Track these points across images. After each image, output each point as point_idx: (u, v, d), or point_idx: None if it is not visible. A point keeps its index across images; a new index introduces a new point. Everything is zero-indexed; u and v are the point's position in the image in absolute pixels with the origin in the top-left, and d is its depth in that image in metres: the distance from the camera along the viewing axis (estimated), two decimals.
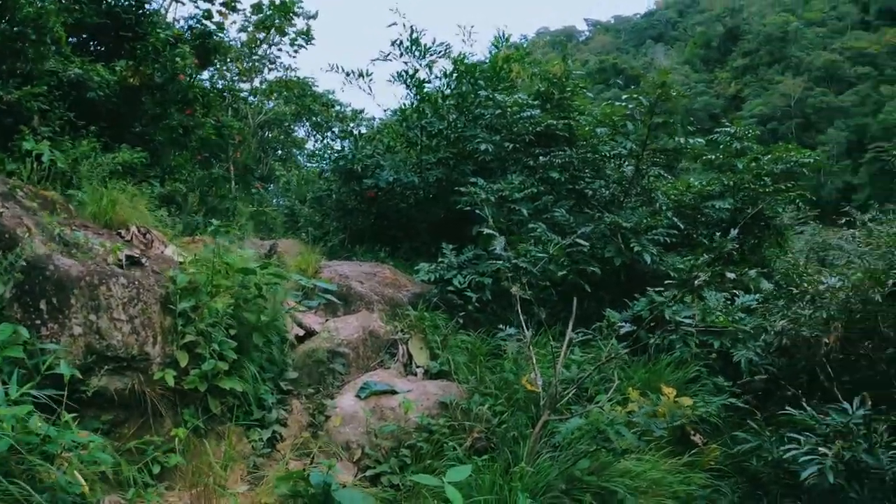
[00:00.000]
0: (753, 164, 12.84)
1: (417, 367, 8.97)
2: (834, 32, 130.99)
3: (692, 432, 7.86)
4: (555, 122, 12.83)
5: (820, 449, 6.31)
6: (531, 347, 7.67)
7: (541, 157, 12.51)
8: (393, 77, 13.85)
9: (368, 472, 7.14)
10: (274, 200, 24.38)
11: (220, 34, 17.00)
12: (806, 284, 9.18)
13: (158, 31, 14.26)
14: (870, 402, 6.73)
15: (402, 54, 13.51)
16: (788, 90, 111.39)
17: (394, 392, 8.01)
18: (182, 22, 17.02)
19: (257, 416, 7.16)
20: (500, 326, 9.00)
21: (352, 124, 22.25)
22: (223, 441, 6.55)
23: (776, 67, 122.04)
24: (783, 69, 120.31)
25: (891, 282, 7.59)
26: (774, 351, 8.78)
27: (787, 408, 7.36)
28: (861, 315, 8.05)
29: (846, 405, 6.77)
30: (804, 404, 7.23)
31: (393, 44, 13.45)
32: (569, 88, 13.34)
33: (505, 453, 6.84)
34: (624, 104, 12.37)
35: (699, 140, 12.98)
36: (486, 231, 8.79)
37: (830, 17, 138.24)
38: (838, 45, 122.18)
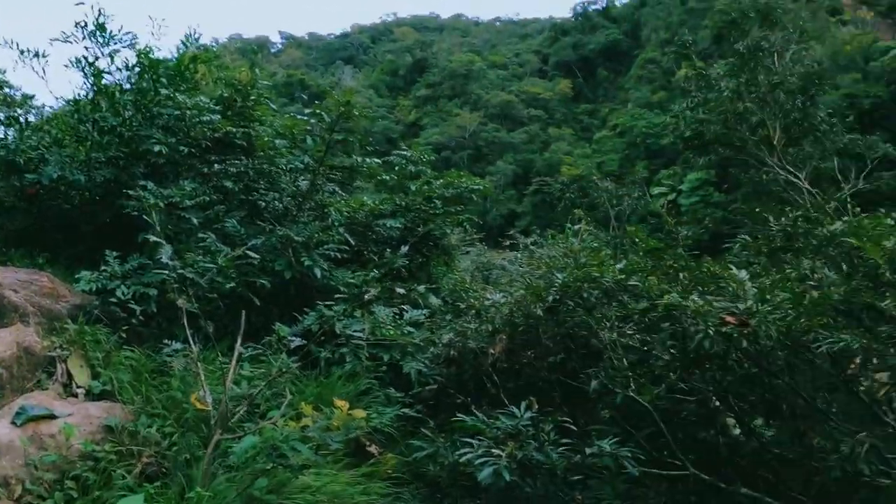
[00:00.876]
0: (426, 187, 13.31)
1: (78, 387, 8.06)
2: (514, 76, 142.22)
3: (368, 443, 7.91)
4: (234, 130, 12.44)
5: (494, 451, 6.52)
6: (199, 363, 7.32)
7: (216, 165, 12.07)
8: (71, 62, 12.62)
9: None
10: None
11: None
12: (473, 300, 9.67)
13: None
14: (536, 406, 7.12)
15: (84, 38, 12.27)
16: (465, 123, 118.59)
17: (53, 416, 7.09)
18: None
19: None
20: (166, 341, 8.51)
21: (20, 110, 20.18)
22: None
23: (456, 101, 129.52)
24: (462, 104, 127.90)
25: (550, 298, 8.07)
26: (443, 362, 9.13)
27: (457, 414, 7.59)
28: (523, 328, 8.53)
29: (514, 409, 7.08)
30: (474, 410, 7.48)
31: (77, 25, 12.11)
32: (253, 97, 12.97)
33: (179, 478, 6.40)
34: (306, 118, 12.34)
35: (376, 160, 13.24)
36: (153, 238, 8.33)
37: (513, 62, 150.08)
38: (516, 88, 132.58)
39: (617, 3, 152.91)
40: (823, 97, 32.44)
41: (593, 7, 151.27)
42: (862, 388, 6.60)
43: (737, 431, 7.84)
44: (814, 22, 72.92)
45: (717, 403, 7.45)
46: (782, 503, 6.64)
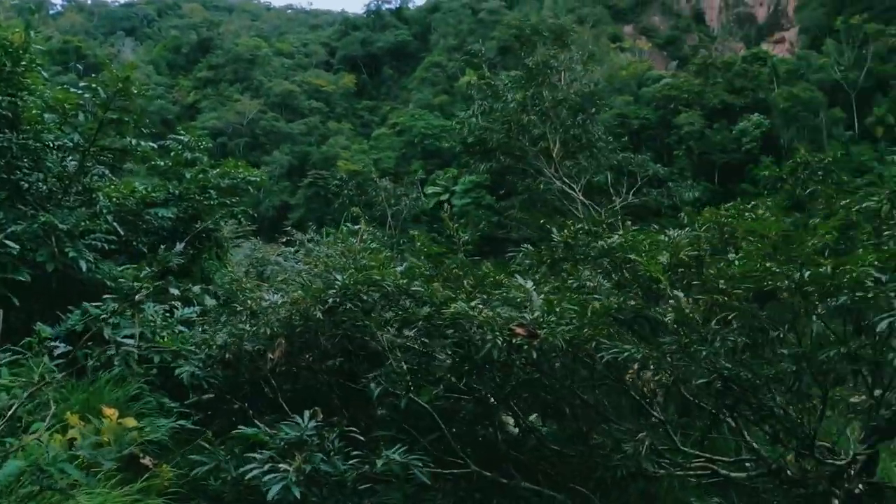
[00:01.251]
0: (202, 175, 12.73)
1: None
2: (299, 66, 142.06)
3: (141, 455, 7.37)
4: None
5: (280, 465, 6.29)
6: None
7: None
8: None
9: None
10: None
11: None
12: (249, 301, 9.29)
13: None
14: (321, 415, 6.92)
15: None
16: (244, 109, 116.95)
17: None
18: None
19: None
20: None
21: None
22: None
23: (238, 86, 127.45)
24: (244, 89, 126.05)
25: (330, 300, 7.92)
26: (218, 364, 8.68)
27: (234, 420, 7.42)
28: (301, 329, 8.31)
29: (298, 419, 6.86)
30: (254, 420, 7.22)
31: None
32: (24, 62, 11.70)
33: None
34: (80, 92, 11.35)
35: (150, 144, 12.43)
36: None
37: (300, 52, 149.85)
38: (300, 79, 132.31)
39: (410, 6, 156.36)
40: (600, 116, 34.69)
41: (386, 6, 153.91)
42: (628, 384, 7.15)
43: (515, 429, 8.07)
44: (596, 46, 78.69)
45: (494, 401, 7.63)
46: (563, 495, 6.99)
